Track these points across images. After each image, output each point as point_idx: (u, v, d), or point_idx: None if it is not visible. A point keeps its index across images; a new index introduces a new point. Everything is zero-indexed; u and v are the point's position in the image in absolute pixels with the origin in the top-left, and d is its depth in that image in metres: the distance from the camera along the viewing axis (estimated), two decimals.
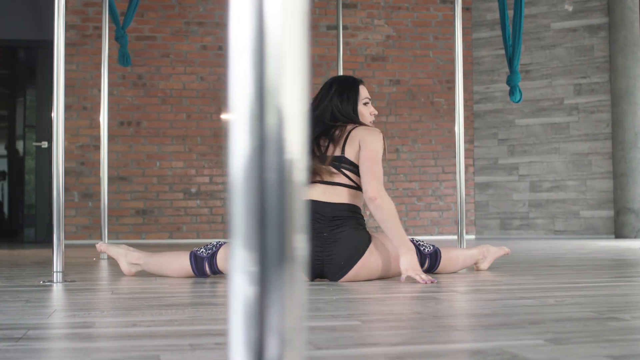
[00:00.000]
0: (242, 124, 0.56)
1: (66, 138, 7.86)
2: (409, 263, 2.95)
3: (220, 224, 8.16)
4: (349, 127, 3.21)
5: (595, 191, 8.13)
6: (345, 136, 3.16)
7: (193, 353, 1.44)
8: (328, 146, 3.18)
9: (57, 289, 2.81)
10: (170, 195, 8.03)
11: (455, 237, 8.26)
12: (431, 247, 3.32)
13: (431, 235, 8.57)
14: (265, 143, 0.56)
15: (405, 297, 2.47)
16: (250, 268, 0.56)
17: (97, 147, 7.12)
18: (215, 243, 3.26)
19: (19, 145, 11.14)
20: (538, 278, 3.11)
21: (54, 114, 3.12)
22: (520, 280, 3.04)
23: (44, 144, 8.00)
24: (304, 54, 0.58)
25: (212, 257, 3.21)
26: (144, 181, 8.03)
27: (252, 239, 0.56)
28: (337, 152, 3.15)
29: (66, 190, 7.85)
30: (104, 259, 4.57)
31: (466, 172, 8.64)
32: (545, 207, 8.35)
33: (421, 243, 3.34)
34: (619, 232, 7.97)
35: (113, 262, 4.11)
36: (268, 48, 0.57)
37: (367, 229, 3.18)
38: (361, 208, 3.21)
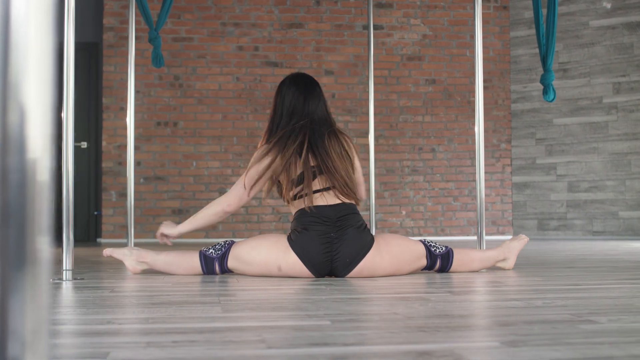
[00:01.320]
0: None
1: (104, 138, 8.02)
2: None
3: (255, 224, 8.21)
4: (345, 138, 3.43)
5: (634, 191, 7.97)
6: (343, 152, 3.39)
7: (145, 350, 1.47)
8: (329, 158, 3.31)
9: (64, 287, 2.87)
10: (207, 194, 8.11)
11: (492, 237, 8.17)
12: (443, 248, 3.38)
13: (467, 235, 8.51)
14: (7, 142, 0.56)
15: (396, 297, 2.46)
16: None
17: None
18: (223, 242, 3.31)
19: None
20: (544, 279, 3.07)
21: (63, 114, 3.19)
22: (524, 281, 3.01)
23: (83, 145, 8.16)
24: (51, 48, 0.58)
25: (222, 257, 3.27)
26: (180, 181, 8.13)
27: None
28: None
29: (104, 189, 8.00)
30: None
31: (503, 172, 8.57)
32: (584, 208, 8.21)
33: (432, 244, 3.36)
34: None
35: None
36: (12, 40, 0.57)
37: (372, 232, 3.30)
38: (355, 205, 3.37)
